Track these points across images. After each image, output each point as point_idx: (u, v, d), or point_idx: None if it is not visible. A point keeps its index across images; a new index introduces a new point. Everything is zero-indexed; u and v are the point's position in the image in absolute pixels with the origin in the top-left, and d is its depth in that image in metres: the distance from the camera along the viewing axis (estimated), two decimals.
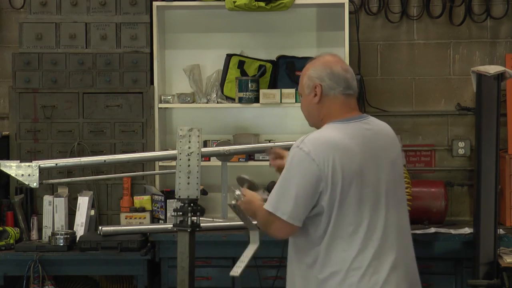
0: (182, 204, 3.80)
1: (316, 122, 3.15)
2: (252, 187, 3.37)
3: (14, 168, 4.06)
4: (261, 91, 5.22)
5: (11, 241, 4.88)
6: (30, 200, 5.15)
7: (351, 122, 3.07)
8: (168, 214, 4.99)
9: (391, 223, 3.04)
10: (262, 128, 5.49)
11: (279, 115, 5.49)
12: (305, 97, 3.15)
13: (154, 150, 5.14)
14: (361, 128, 3.08)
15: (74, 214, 5.03)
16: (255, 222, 3.41)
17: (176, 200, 3.83)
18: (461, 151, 5.48)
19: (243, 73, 5.34)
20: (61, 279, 5.11)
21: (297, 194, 2.95)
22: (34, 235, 5.05)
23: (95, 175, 5.11)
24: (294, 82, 5.31)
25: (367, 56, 5.51)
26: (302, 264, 3.07)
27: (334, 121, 3.06)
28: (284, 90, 5.21)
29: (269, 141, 5.15)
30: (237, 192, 3.32)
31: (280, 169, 3.27)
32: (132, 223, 5.01)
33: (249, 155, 5.28)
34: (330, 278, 2.98)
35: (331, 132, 3.02)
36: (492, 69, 4.48)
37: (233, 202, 3.34)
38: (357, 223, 2.98)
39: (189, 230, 3.77)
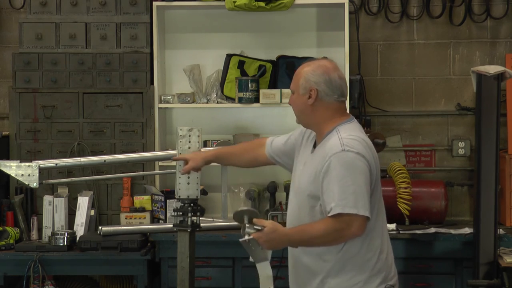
0: (182, 204, 3.80)
1: (308, 122, 3.34)
2: (254, 215, 3.24)
3: (14, 168, 4.06)
4: (261, 91, 5.22)
5: (11, 241, 4.88)
6: (30, 200, 5.15)
7: (354, 122, 3.31)
8: (168, 214, 4.99)
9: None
10: (262, 128, 5.49)
11: (279, 115, 5.49)
12: (298, 96, 3.31)
13: (154, 150, 5.14)
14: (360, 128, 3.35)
15: (74, 214, 5.03)
16: (268, 252, 3.28)
17: (176, 200, 3.84)
18: (461, 151, 5.48)
19: (243, 73, 5.34)
20: (61, 279, 5.11)
21: (367, 191, 3.12)
22: (34, 235, 5.05)
23: (95, 175, 5.11)
24: None
25: (367, 56, 5.51)
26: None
27: (343, 123, 3.26)
28: (284, 90, 5.21)
29: None
30: (247, 226, 3.19)
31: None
32: (132, 223, 5.01)
33: None
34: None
35: (354, 131, 3.24)
36: (492, 69, 4.47)
37: (246, 237, 3.19)
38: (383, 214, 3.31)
39: (189, 230, 3.78)
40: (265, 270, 3.27)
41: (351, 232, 3.11)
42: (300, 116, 3.35)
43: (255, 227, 3.18)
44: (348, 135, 3.19)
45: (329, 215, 3.10)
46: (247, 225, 3.20)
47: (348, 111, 5.07)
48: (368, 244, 3.20)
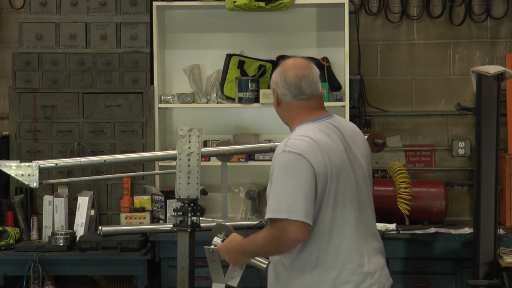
0: (182, 204, 3.80)
1: (285, 122, 3.27)
2: (230, 233, 3.28)
3: (14, 168, 4.06)
4: (261, 91, 5.23)
5: (11, 241, 4.88)
6: (30, 200, 5.15)
7: (319, 121, 3.15)
8: (168, 214, 4.99)
9: (363, 219, 3.15)
10: (262, 128, 5.49)
11: None
12: (272, 95, 3.28)
13: (154, 150, 5.14)
14: (330, 126, 3.15)
15: (74, 214, 5.03)
16: (233, 268, 3.28)
17: (176, 200, 3.83)
18: (461, 151, 5.48)
19: (243, 73, 5.35)
20: (61, 279, 5.11)
21: (305, 194, 2.96)
22: (34, 235, 5.05)
23: (95, 175, 5.11)
24: None
25: (367, 56, 5.51)
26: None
27: (304, 122, 3.15)
28: None
29: (269, 141, 5.15)
30: (215, 239, 3.26)
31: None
32: (132, 223, 5.01)
33: (249, 155, 5.29)
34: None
35: (308, 132, 3.08)
36: (492, 69, 4.47)
37: (212, 247, 3.25)
38: (344, 218, 3.08)
39: (189, 230, 3.77)
40: None
41: (288, 238, 2.96)
42: (278, 115, 3.28)
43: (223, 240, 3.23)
44: (298, 136, 3.06)
45: (267, 220, 3.03)
46: (217, 236, 3.25)
47: (348, 111, 5.14)
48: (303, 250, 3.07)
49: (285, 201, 2.97)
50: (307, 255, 3.07)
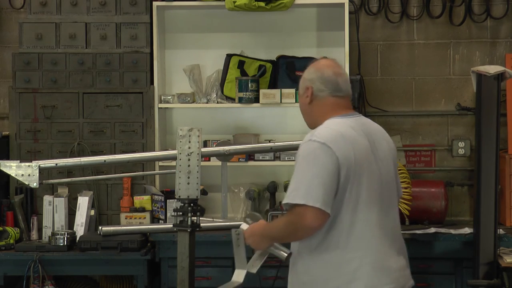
0: (182, 204, 3.79)
1: (311, 122, 3.29)
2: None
3: (14, 168, 4.05)
4: (261, 91, 5.22)
5: (11, 241, 4.88)
6: (30, 200, 5.15)
7: (348, 117, 3.21)
8: (168, 214, 4.99)
9: (387, 217, 3.17)
10: (262, 128, 5.49)
11: (279, 115, 5.49)
12: (300, 97, 3.32)
13: (154, 150, 5.14)
14: (357, 123, 3.22)
15: (74, 214, 5.03)
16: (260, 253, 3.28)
17: (176, 200, 3.83)
18: (461, 151, 5.48)
19: (243, 73, 5.34)
20: (61, 279, 5.11)
21: (324, 182, 3.01)
22: (34, 235, 5.05)
23: (95, 175, 5.11)
24: (294, 82, 5.31)
25: (367, 56, 5.51)
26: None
27: (333, 117, 3.20)
28: (284, 90, 5.21)
29: (269, 141, 5.15)
30: (243, 225, 3.28)
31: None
32: (132, 223, 5.01)
33: (249, 155, 5.28)
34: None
35: (336, 125, 3.15)
36: (492, 69, 4.47)
37: (239, 229, 3.26)
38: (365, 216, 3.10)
39: (189, 230, 3.77)
40: (237, 277, 3.28)
41: (304, 224, 3.00)
42: (304, 117, 3.33)
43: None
44: (325, 127, 3.14)
45: (284, 204, 3.08)
46: (246, 222, 3.26)
47: None
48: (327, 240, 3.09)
49: (303, 187, 3.01)
50: (326, 246, 3.09)
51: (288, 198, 3.05)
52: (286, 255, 3.22)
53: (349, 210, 3.07)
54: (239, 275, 3.34)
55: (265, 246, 3.24)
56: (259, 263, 3.29)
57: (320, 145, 3.05)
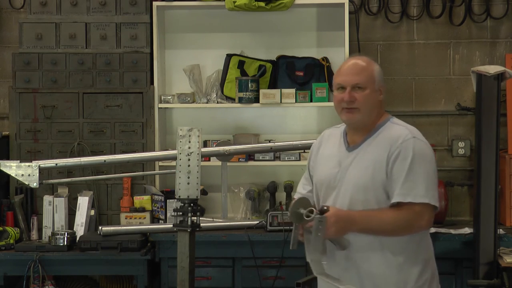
0: (182, 204, 3.80)
1: (370, 119, 3.21)
2: (306, 202, 3.04)
3: (14, 168, 4.07)
4: (261, 91, 5.22)
5: (11, 241, 4.88)
6: (30, 200, 5.15)
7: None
8: (168, 214, 4.99)
9: None
10: (262, 128, 5.49)
11: (279, 115, 5.49)
12: (373, 92, 3.20)
13: (154, 150, 5.14)
14: None
15: (74, 214, 5.03)
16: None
17: (176, 200, 3.83)
18: (461, 151, 5.48)
19: (243, 73, 5.34)
20: (61, 279, 5.11)
21: (436, 181, 3.11)
22: (34, 235, 5.05)
23: (95, 175, 5.11)
24: (294, 82, 5.32)
25: (367, 56, 5.49)
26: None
27: (392, 116, 3.28)
28: (284, 90, 5.21)
29: (269, 141, 5.15)
30: (307, 212, 2.96)
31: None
32: (132, 223, 5.01)
33: (249, 155, 5.28)
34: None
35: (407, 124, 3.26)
36: (492, 69, 4.48)
37: (317, 216, 2.92)
38: None
39: (189, 230, 3.78)
40: (319, 268, 3.00)
41: (421, 224, 3.06)
42: (369, 113, 3.20)
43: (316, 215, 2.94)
44: (407, 125, 3.22)
45: (398, 202, 3.03)
46: (301, 210, 2.97)
47: None
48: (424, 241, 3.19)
49: (422, 186, 3.05)
50: (419, 243, 3.16)
51: (409, 196, 3.04)
52: (348, 244, 3.08)
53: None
54: (319, 267, 2.98)
55: (346, 233, 3.06)
56: (326, 250, 3.03)
57: (426, 144, 3.16)
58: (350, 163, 3.18)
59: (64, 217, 5.01)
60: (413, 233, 3.10)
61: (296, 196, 3.38)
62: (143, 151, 5.15)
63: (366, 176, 3.12)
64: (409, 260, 3.13)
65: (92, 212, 5.09)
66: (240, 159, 5.24)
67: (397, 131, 3.17)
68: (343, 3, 5.17)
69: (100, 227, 4.82)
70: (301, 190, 3.41)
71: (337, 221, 2.98)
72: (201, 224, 3.88)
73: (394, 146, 3.11)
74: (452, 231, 4.84)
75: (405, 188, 3.05)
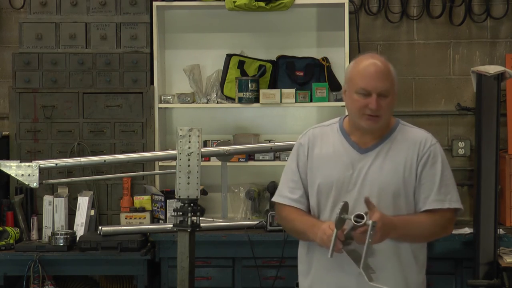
0: (182, 204, 3.80)
1: (386, 123, 3.19)
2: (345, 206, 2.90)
3: (14, 168, 4.06)
4: (261, 91, 5.22)
5: (11, 241, 4.88)
6: (30, 200, 5.15)
7: None
8: (168, 214, 4.99)
9: None
10: (262, 128, 5.49)
11: (279, 115, 5.49)
12: (394, 97, 3.18)
13: (154, 150, 5.14)
14: None
15: (74, 214, 5.03)
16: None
17: (176, 200, 3.84)
18: (461, 151, 5.48)
19: (243, 73, 5.34)
20: (61, 279, 5.11)
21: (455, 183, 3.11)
22: (34, 235, 5.05)
23: (95, 175, 5.11)
24: (294, 82, 5.32)
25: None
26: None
27: (398, 119, 3.29)
28: (284, 90, 5.21)
29: (269, 141, 5.15)
30: (354, 218, 2.83)
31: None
32: (132, 223, 5.01)
33: (249, 155, 5.28)
34: None
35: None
36: (492, 69, 4.48)
37: (370, 222, 2.80)
38: None
39: (189, 230, 3.78)
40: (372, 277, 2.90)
41: (451, 228, 3.08)
42: (388, 118, 3.17)
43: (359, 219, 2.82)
44: (419, 128, 3.19)
45: (432, 209, 3.00)
46: (344, 215, 2.85)
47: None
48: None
49: (454, 191, 3.05)
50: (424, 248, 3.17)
51: (446, 202, 3.01)
52: (374, 251, 2.93)
53: None
54: (370, 274, 2.87)
55: (385, 239, 2.91)
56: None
57: (440, 147, 3.12)
58: (369, 166, 3.04)
59: (64, 217, 5.01)
60: (440, 237, 3.12)
61: (284, 201, 3.13)
62: (143, 151, 5.15)
63: (396, 180, 3.01)
64: (420, 268, 3.13)
65: (92, 212, 5.09)
66: (240, 159, 5.24)
67: (419, 134, 3.11)
68: (343, 3, 5.17)
69: (100, 227, 4.82)
70: (289, 194, 3.13)
71: (383, 226, 2.84)
72: (201, 224, 3.88)
73: (423, 150, 3.04)
74: (452, 231, 4.83)
75: (441, 194, 3.01)
